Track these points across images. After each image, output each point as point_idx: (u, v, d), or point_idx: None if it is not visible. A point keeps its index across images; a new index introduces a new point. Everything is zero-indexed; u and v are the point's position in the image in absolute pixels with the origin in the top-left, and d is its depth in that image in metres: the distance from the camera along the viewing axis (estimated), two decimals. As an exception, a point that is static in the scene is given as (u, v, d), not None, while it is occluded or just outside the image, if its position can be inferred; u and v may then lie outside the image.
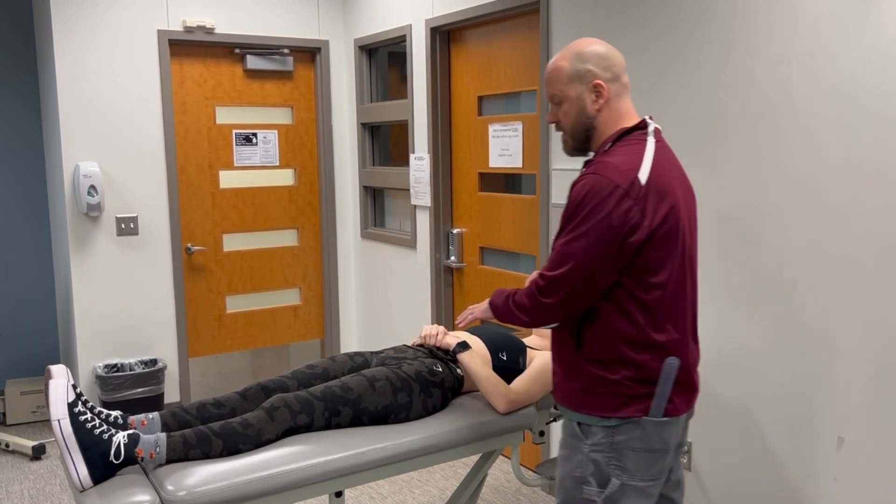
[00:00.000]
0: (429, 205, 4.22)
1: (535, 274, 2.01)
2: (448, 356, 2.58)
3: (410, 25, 4.25)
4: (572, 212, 1.81)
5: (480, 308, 2.23)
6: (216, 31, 4.50)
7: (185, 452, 2.07)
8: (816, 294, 2.39)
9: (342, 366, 2.52)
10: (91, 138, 4.19)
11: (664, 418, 1.86)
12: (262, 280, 4.88)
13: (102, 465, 1.98)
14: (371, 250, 4.90)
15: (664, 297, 1.83)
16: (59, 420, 1.96)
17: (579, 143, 1.95)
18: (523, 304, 1.93)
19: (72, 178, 4.15)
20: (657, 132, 1.91)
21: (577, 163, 3.25)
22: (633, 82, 2.95)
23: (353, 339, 5.21)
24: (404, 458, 2.28)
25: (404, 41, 4.39)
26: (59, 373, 2.04)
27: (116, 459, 1.99)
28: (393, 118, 4.54)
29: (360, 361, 2.57)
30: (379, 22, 4.56)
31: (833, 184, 2.32)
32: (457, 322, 2.31)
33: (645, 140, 1.87)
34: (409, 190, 4.45)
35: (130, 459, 2.02)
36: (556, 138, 3.35)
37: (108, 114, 4.23)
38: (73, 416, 1.97)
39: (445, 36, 4.11)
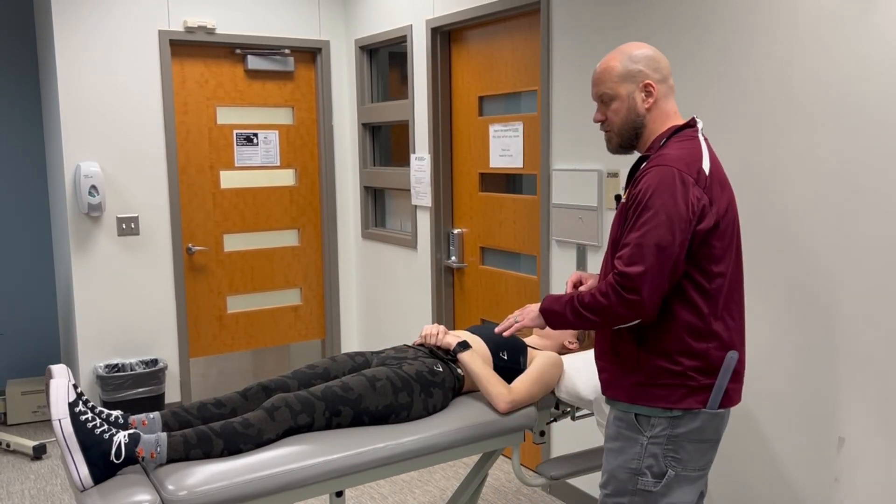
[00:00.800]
0: (429, 205, 4.22)
1: (568, 283, 2.07)
2: (448, 356, 2.58)
3: (411, 26, 4.26)
4: (645, 204, 1.83)
5: (529, 316, 2.11)
6: (217, 31, 4.51)
7: (185, 452, 2.07)
8: (817, 294, 2.39)
9: (343, 366, 2.52)
10: (92, 138, 4.20)
11: (720, 410, 1.92)
12: (262, 280, 4.88)
13: (103, 465, 1.98)
14: (372, 250, 4.90)
15: (724, 286, 1.89)
16: (59, 420, 1.96)
17: (626, 140, 2.01)
18: (599, 305, 1.87)
19: (73, 179, 4.15)
20: (703, 132, 1.99)
21: (579, 163, 3.25)
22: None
23: (353, 339, 5.21)
24: (405, 457, 2.28)
25: (405, 41, 4.40)
26: (59, 372, 2.04)
27: (117, 459, 1.99)
28: (394, 118, 4.54)
29: (360, 361, 2.57)
30: (380, 22, 4.57)
31: (833, 184, 2.32)
32: (498, 330, 2.21)
33: (697, 137, 1.94)
34: (409, 190, 4.45)
35: (131, 459, 2.02)
36: (557, 139, 3.35)
37: (109, 114, 4.23)
38: (74, 416, 1.97)
39: (446, 36, 4.12)
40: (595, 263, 3.21)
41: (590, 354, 2.56)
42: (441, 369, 2.48)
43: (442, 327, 2.66)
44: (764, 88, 2.50)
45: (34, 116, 4.71)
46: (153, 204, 4.39)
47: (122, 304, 4.34)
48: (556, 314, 1.99)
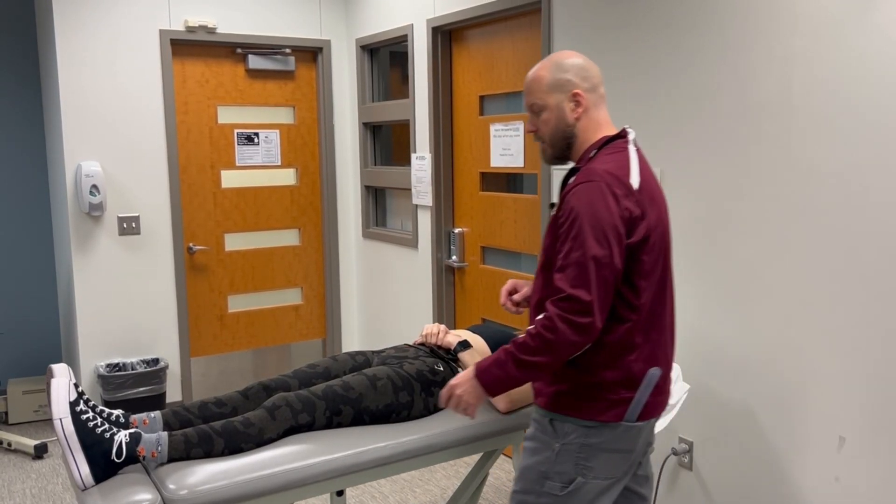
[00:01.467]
0: (430, 204, 4.22)
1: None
2: (449, 355, 2.58)
3: (412, 25, 4.25)
4: (579, 222, 1.78)
5: (469, 396, 1.92)
6: (218, 30, 4.51)
7: (186, 451, 2.07)
8: (818, 292, 2.39)
9: (343, 365, 2.52)
10: (93, 138, 4.20)
11: (637, 423, 1.90)
12: (263, 280, 4.88)
13: (104, 464, 1.98)
14: (372, 250, 4.90)
15: (650, 300, 1.87)
16: (60, 419, 1.96)
17: (559, 151, 1.98)
18: (545, 342, 1.77)
19: (74, 178, 4.16)
20: (635, 142, 1.96)
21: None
22: (633, 81, 2.95)
23: (354, 338, 5.22)
24: (405, 457, 2.28)
25: (406, 41, 4.40)
26: (60, 372, 2.04)
27: (118, 458, 2.00)
28: (394, 118, 4.54)
29: (361, 360, 2.57)
30: (380, 22, 4.57)
31: (834, 182, 2.32)
32: (442, 405, 2.01)
33: (627, 149, 1.91)
34: (410, 189, 4.45)
35: (132, 458, 2.02)
36: (558, 138, 3.35)
37: (110, 114, 4.23)
38: (75, 415, 1.97)
39: (447, 36, 4.12)
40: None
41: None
42: (442, 368, 2.48)
43: (443, 326, 2.66)
44: (764, 87, 2.49)
45: (35, 116, 4.71)
46: (154, 203, 4.39)
47: (123, 303, 4.34)
48: (498, 378, 1.86)
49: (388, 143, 4.86)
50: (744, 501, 2.69)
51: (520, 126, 3.66)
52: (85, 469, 1.96)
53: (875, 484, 2.29)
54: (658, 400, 1.94)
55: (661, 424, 2.40)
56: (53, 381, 2.00)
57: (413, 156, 4.34)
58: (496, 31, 3.79)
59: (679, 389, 2.47)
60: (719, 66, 2.63)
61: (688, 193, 2.78)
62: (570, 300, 1.75)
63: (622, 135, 1.94)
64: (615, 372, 1.85)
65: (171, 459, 2.07)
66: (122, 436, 2.02)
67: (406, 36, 4.33)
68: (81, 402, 2.02)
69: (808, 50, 2.36)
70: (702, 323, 2.78)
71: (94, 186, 4.09)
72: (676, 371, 2.50)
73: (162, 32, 4.33)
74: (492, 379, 1.88)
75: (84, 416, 1.99)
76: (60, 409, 1.97)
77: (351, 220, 5.12)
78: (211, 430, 2.11)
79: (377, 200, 4.98)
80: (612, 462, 1.91)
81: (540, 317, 1.80)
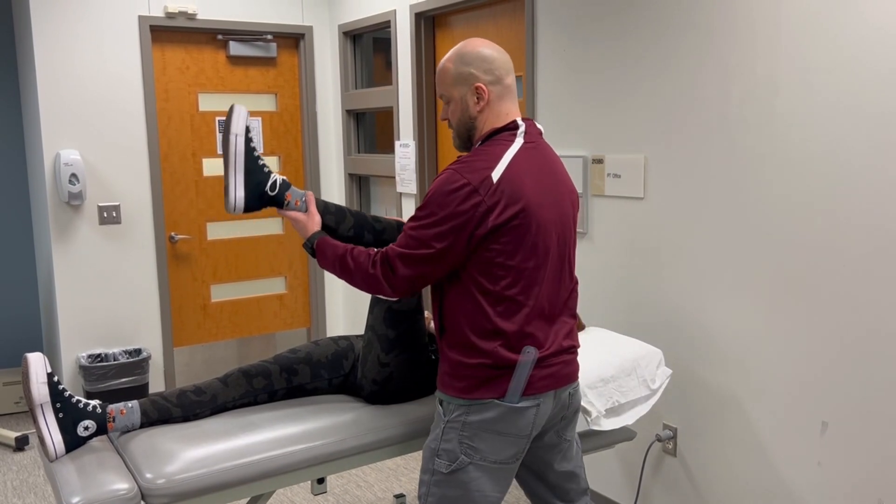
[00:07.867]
0: (415, 192, 4.19)
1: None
2: (433, 346, 2.56)
3: (395, 11, 4.21)
4: (426, 202, 1.87)
5: (301, 224, 2.16)
6: (198, 16, 4.45)
7: (149, 421, 2.16)
8: (801, 281, 2.39)
9: (326, 349, 2.49)
10: (72, 126, 4.14)
11: (519, 405, 1.90)
12: (247, 269, 4.84)
13: (74, 432, 2.03)
14: (357, 238, 4.86)
15: (512, 288, 1.87)
16: (41, 405, 1.99)
17: (463, 140, 2.02)
18: (361, 268, 1.96)
19: (53, 167, 4.10)
20: (532, 134, 1.97)
21: (564, 149, 3.23)
22: (617, 65, 2.93)
23: (339, 327, 5.19)
24: (386, 444, 2.26)
25: (389, 27, 4.36)
26: (35, 360, 2.03)
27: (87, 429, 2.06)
28: (378, 105, 4.51)
29: (344, 345, 2.54)
30: (363, 7, 4.52)
31: (820, 172, 2.31)
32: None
33: (512, 141, 1.92)
34: (394, 177, 4.42)
35: (102, 429, 2.08)
36: (542, 125, 3.33)
37: (89, 101, 4.17)
38: (52, 385, 2.00)
39: (430, 21, 4.08)
40: (580, 249, 3.19)
41: (580, 337, 2.54)
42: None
43: (427, 313, 2.63)
44: (748, 76, 2.48)
45: (13, 104, 4.64)
46: (135, 192, 4.34)
47: (104, 293, 4.30)
48: (327, 258, 2.04)
49: (371, 130, 4.82)
50: (728, 487, 2.70)
51: (503, 112, 3.63)
52: (58, 437, 2.00)
53: (857, 468, 2.30)
54: (546, 372, 1.92)
55: (641, 410, 2.39)
56: (29, 357, 2.03)
57: (397, 143, 4.31)
58: (480, 17, 3.75)
59: (661, 374, 2.46)
60: (704, 55, 2.61)
61: (667, 179, 2.77)
62: (391, 255, 1.91)
63: (510, 127, 1.95)
64: (482, 357, 1.89)
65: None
66: (94, 402, 2.11)
67: (389, 22, 4.29)
68: (56, 379, 2.06)
69: (792, 38, 2.34)
70: (686, 309, 2.77)
71: (74, 175, 4.03)
72: (658, 356, 2.49)
73: (141, 18, 4.27)
74: (322, 247, 2.07)
75: (60, 387, 2.03)
76: (41, 393, 1.99)
77: (335, 208, 5.07)
78: (168, 403, 2.19)
79: (361, 188, 4.95)
80: (497, 444, 1.92)
81: (376, 251, 1.96)
